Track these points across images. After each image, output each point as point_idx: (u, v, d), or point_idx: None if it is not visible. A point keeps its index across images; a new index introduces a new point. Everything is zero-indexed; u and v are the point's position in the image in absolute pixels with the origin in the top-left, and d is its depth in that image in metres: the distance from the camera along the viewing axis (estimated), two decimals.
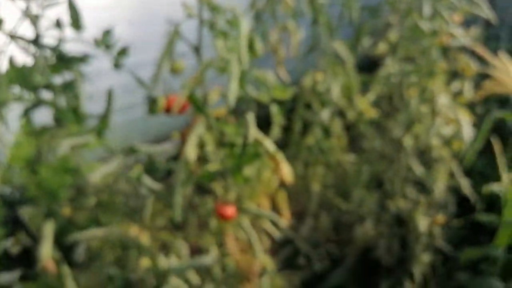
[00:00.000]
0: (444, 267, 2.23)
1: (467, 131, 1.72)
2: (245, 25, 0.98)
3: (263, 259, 1.52)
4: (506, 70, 1.94)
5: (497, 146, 1.99)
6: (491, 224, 2.33)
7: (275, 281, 1.58)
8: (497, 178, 2.12)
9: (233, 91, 0.98)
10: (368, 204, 2.04)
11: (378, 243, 2.03)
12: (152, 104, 1.14)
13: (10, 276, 1.19)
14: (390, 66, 1.89)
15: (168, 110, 1.18)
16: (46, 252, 1.04)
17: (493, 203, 2.41)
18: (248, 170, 1.25)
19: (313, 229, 2.18)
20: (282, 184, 1.56)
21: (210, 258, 1.08)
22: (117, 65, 1.07)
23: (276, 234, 1.59)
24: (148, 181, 1.07)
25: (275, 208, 1.51)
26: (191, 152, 1.08)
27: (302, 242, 2.07)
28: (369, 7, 1.80)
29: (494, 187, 2.04)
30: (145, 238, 1.15)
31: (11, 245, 1.17)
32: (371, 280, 2.23)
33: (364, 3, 1.83)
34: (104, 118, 1.03)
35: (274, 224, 1.51)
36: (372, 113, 1.91)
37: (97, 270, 1.30)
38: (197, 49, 1.15)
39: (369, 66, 2.27)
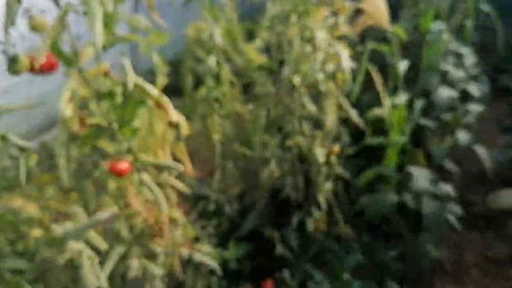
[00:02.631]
0: (346, 194, 2.43)
1: (346, 62, 1.83)
2: None
3: (171, 213, 1.50)
4: (377, 5, 2.09)
5: (375, 74, 2.17)
6: (381, 148, 2.57)
7: (188, 232, 1.58)
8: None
9: (98, 31, 0.90)
10: (270, 147, 2.11)
11: (284, 182, 2.12)
12: (12, 61, 1.00)
13: None
14: (272, 9, 1.92)
15: (34, 69, 1.06)
16: None
17: (379, 131, 2.66)
18: (137, 122, 1.19)
19: (223, 179, 2.21)
20: (181, 139, 1.54)
21: (103, 215, 1.02)
22: None
23: (182, 187, 1.57)
24: (16, 139, 0.96)
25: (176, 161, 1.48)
26: (65, 108, 0.99)
27: (213, 193, 2.09)
28: None
29: (377, 112, 2.24)
30: (32, 209, 1.04)
31: None
32: (283, 218, 2.34)
33: None
34: None
35: (179, 178, 1.50)
36: (260, 59, 1.94)
37: None
38: None
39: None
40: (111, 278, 1.34)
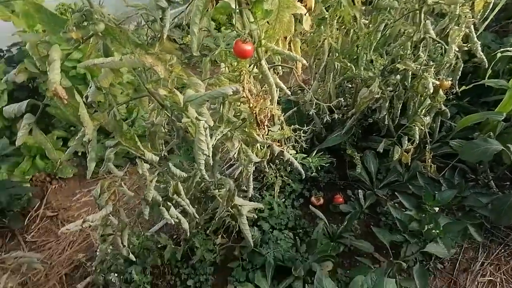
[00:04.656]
0: (440, 134, 2.23)
1: None
2: None
3: (275, 109, 1.44)
4: None
5: None
6: (494, 93, 2.26)
7: (284, 131, 1.54)
8: None
9: None
10: (377, 66, 1.92)
11: (381, 106, 1.96)
12: None
13: (19, 106, 1.09)
14: None
15: None
16: (55, 77, 0.92)
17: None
18: (268, 4, 1.09)
19: (319, 91, 2.10)
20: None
21: (229, 89, 0.98)
22: None
23: (284, 88, 1.49)
24: None
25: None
26: None
27: (307, 104, 2.00)
28: None
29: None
30: (160, 69, 1.02)
31: (16, 74, 1.04)
32: (368, 142, 2.23)
33: None
34: None
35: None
36: None
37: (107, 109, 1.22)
38: None
39: None
40: (213, 154, 1.37)
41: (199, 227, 1.85)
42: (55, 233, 2.13)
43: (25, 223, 2.15)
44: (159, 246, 1.87)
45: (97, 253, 1.70)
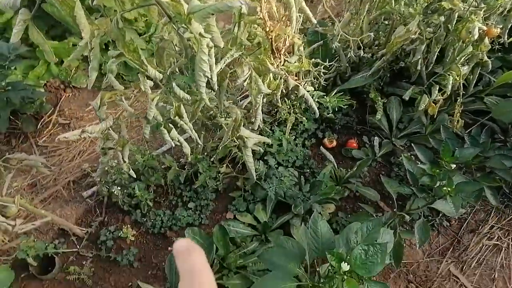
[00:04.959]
0: (475, 88, 2.03)
1: None
2: None
3: (295, 37, 1.31)
4: None
5: None
6: None
7: (303, 63, 1.41)
8: None
9: None
10: (420, 2, 1.70)
11: (416, 48, 1.77)
12: None
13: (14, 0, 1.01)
14: None
15: None
16: None
17: None
18: None
19: (351, 25, 1.90)
20: None
21: (237, 2, 0.86)
22: None
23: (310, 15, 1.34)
24: None
25: None
26: None
27: (334, 37, 1.82)
28: None
29: None
30: None
31: None
32: (394, 88, 2.07)
33: None
34: None
35: None
36: None
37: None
38: None
39: None
40: (220, 79, 1.28)
41: (205, 153, 1.83)
42: (66, 141, 2.16)
43: (38, 128, 2.18)
44: (163, 166, 1.87)
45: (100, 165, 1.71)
